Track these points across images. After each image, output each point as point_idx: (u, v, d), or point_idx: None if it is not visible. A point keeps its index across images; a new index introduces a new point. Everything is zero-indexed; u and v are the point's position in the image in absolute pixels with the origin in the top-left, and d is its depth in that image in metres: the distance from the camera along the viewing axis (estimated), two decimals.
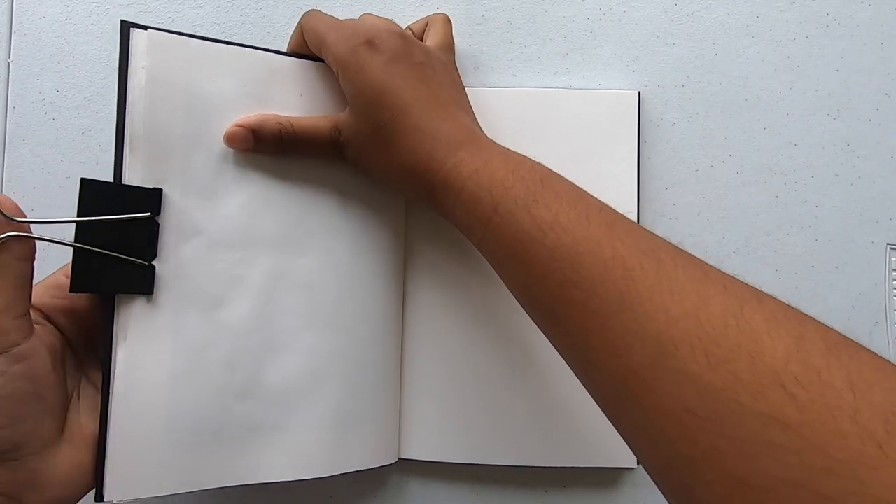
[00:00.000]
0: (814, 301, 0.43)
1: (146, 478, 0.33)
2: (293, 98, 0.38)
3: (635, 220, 0.42)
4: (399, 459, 0.41)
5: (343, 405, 0.38)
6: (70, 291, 0.31)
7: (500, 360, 0.41)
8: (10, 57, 0.45)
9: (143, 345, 0.33)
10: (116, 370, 0.32)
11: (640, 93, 0.43)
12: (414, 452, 0.41)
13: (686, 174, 0.44)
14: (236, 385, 0.35)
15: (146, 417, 0.33)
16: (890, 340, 0.43)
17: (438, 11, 0.43)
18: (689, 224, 0.43)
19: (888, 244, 0.44)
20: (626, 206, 0.42)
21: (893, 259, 0.43)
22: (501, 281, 0.32)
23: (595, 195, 0.31)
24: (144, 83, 0.34)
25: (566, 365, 0.28)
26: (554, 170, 0.33)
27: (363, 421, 0.38)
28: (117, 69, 0.34)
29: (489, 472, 0.42)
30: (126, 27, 0.34)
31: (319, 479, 0.37)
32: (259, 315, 0.36)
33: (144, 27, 0.34)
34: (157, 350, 0.33)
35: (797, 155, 0.44)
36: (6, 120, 0.45)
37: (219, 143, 0.36)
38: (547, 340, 0.29)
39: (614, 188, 0.42)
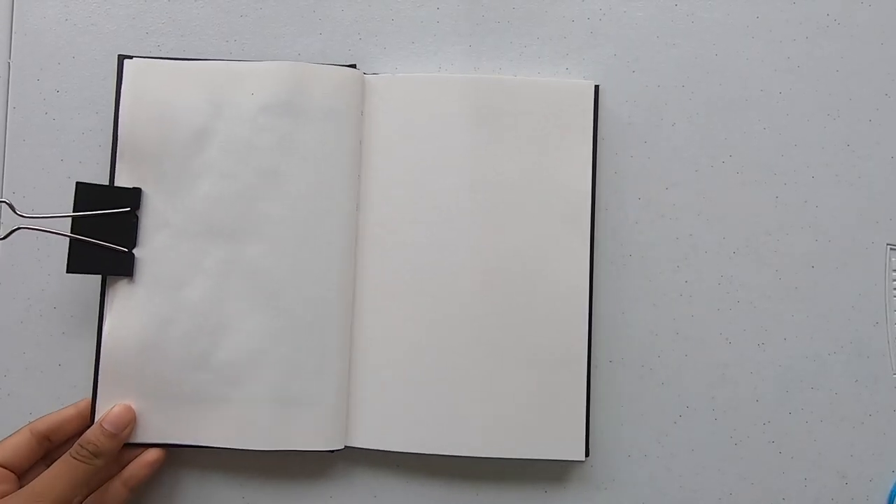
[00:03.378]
0: (814, 301, 0.43)
1: None
2: (244, 97, 0.42)
3: (588, 219, 0.41)
4: (346, 447, 0.41)
5: (282, 384, 0.41)
6: (66, 272, 0.40)
7: (451, 350, 0.41)
8: (10, 57, 0.45)
9: (123, 318, 0.41)
10: (104, 338, 0.41)
11: (597, 85, 0.43)
12: (361, 440, 0.41)
13: (686, 174, 0.44)
14: (193, 358, 0.41)
15: (122, 379, 0.41)
16: (890, 340, 0.43)
17: None
18: (689, 224, 0.43)
19: (888, 244, 0.44)
20: (578, 204, 0.42)
21: (893, 259, 0.43)
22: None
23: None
24: (130, 101, 0.42)
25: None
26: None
27: (304, 403, 0.41)
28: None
29: (435, 463, 0.42)
30: (121, 59, 0.42)
31: (264, 458, 0.41)
32: (212, 297, 0.41)
33: (132, 57, 0.42)
34: (132, 323, 0.41)
35: (797, 155, 0.44)
36: (6, 120, 0.45)
37: (182, 147, 0.41)
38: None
39: (568, 184, 0.42)
